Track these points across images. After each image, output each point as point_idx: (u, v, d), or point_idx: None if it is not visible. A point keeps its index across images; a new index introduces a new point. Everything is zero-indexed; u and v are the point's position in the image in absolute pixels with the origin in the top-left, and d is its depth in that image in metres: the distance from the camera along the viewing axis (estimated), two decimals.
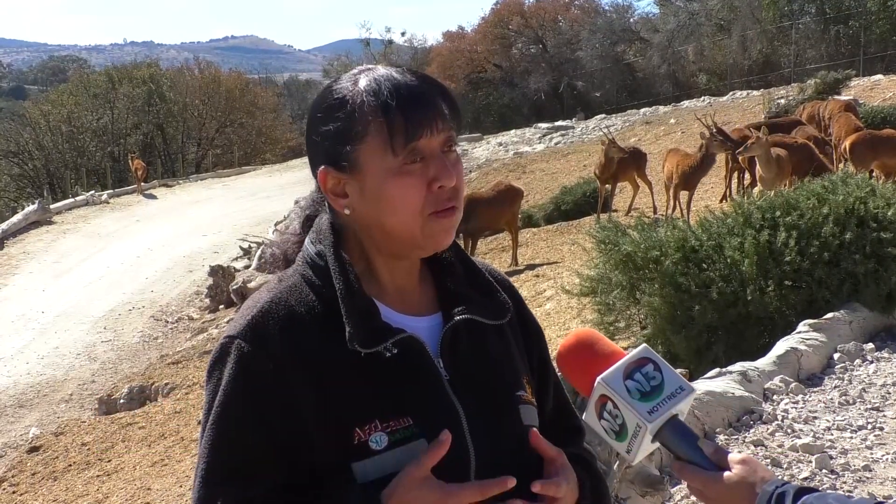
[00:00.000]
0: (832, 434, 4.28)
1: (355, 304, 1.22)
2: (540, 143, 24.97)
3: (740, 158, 10.86)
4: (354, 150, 1.23)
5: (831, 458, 3.97)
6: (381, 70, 1.27)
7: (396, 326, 1.24)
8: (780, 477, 1.27)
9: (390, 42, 47.81)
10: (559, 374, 1.30)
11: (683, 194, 11.83)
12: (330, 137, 1.26)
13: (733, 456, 1.20)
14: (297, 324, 1.23)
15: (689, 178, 11.49)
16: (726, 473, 1.18)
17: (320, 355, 1.22)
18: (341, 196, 1.27)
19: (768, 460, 3.94)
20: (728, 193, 12.21)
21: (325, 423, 1.19)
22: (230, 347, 1.23)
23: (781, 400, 4.69)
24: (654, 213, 12.79)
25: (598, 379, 1.21)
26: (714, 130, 11.34)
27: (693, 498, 1.24)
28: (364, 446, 1.19)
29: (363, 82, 1.25)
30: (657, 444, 1.22)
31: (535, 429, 1.27)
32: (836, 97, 16.79)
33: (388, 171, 1.22)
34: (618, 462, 3.26)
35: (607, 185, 13.18)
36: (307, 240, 1.32)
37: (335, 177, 1.26)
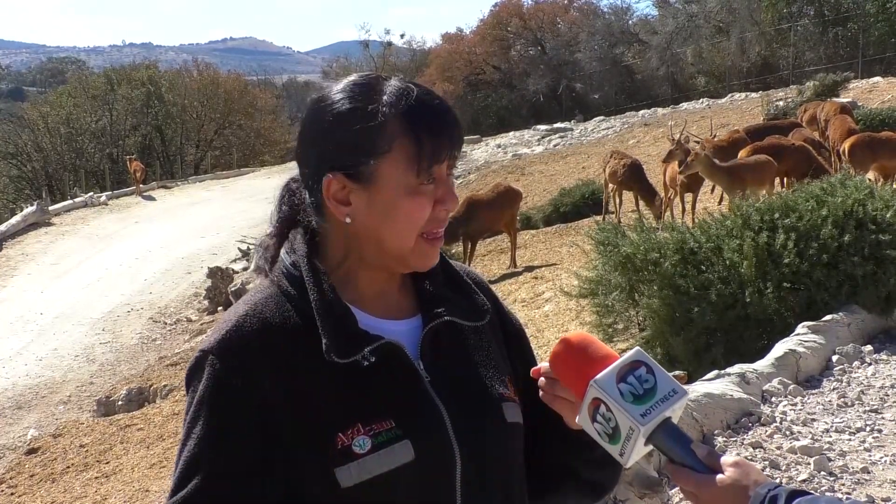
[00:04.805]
0: (831, 436, 4.28)
1: (330, 314, 1.22)
2: (538, 144, 25.01)
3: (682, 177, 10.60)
4: (375, 164, 1.23)
5: (830, 459, 3.97)
6: (397, 82, 1.27)
7: (374, 332, 1.24)
8: (776, 479, 1.27)
9: (389, 44, 47.95)
10: (554, 376, 1.30)
11: (688, 196, 11.81)
12: (348, 146, 1.24)
13: (726, 459, 1.20)
14: (272, 336, 1.22)
15: (691, 180, 11.47)
16: (719, 476, 1.18)
17: (297, 366, 1.21)
18: (344, 204, 1.25)
19: (767, 462, 3.94)
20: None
21: (306, 433, 1.19)
22: (203, 363, 1.22)
23: (780, 402, 4.69)
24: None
25: (591, 382, 1.21)
26: (679, 138, 11.34)
27: (688, 501, 1.24)
28: (347, 450, 1.19)
29: (388, 96, 1.24)
30: (650, 448, 1.22)
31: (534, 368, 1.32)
32: (833, 99, 16.79)
33: (406, 189, 1.23)
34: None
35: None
36: (283, 250, 1.32)
37: (343, 184, 1.25)
